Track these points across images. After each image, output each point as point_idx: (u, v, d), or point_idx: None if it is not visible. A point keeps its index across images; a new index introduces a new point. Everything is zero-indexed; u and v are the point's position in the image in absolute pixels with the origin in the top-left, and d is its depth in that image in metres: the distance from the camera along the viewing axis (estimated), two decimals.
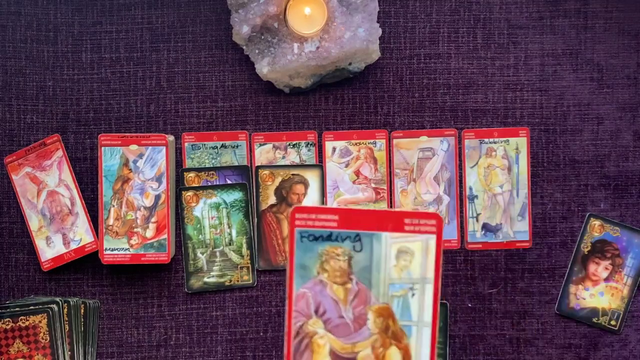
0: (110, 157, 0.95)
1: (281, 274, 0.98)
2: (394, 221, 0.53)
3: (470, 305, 0.98)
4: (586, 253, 0.98)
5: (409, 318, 0.54)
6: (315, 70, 0.96)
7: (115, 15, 0.99)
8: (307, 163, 0.98)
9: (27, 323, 0.93)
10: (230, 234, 0.97)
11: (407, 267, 0.54)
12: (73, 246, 0.97)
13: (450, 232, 0.98)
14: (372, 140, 0.98)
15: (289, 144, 0.99)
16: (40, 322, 0.93)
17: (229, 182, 0.98)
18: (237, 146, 0.98)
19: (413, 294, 0.54)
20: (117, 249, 0.94)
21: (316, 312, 0.55)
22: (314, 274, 0.55)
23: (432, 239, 0.54)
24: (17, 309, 0.93)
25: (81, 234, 0.97)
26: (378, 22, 0.96)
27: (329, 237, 0.54)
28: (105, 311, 0.99)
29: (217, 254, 0.98)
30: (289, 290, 0.55)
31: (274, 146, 0.98)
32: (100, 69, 0.99)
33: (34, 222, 0.97)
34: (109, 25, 0.99)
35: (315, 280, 0.55)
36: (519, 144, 0.98)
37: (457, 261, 0.98)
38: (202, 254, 0.97)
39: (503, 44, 0.99)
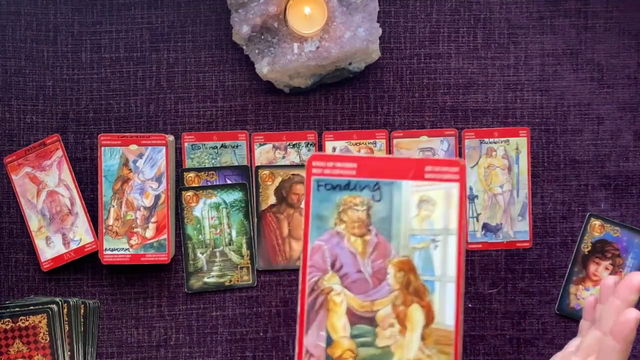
0: (110, 157, 0.94)
1: (281, 273, 0.98)
2: (415, 169, 0.51)
3: (470, 305, 0.98)
4: (586, 253, 0.98)
5: (431, 273, 0.51)
6: (315, 70, 0.96)
7: (115, 15, 0.99)
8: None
9: (26, 323, 0.93)
10: (230, 234, 0.97)
11: (429, 217, 0.51)
12: (73, 246, 0.97)
13: None
14: (372, 140, 0.98)
15: (289, 144, 0.98)
16: (40, 322, 0.93)
17: (228, 182, 0.98)
18: (237, 146, 0.98)
19: (436, 246, 0.51)
20: (117, 249, 0.94)
21: (332, 266, 0.52)
22: (331, 225, 0.52)
23: (454, 188, 0.51)
24: (16, 309, 0.93)
25: (81, 234, 0.97)
26: (378, 21, 0.96)
27: (347, 186, 0.52)
28: (105, 311, 0.98)
29: (217, 254, 0.97)
30: (305, 242, 0.52)
31: (274, 146, 0.98)
32: (100, 68, 0.99)
33: (33, 222, 0.97)
34: (108, 25, 0.99)
35: (332, 231, 0.52)
36: (519, 144, 0.98)
37: None
38: (202, 254, 0.97)
39: (503, 44, 0.99)
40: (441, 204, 0.51)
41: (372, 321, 0.51)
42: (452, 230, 0.51)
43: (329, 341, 0.52)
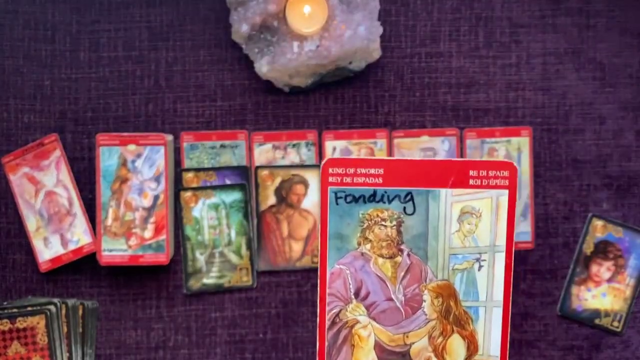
0: (108, 157, 0.94)
1: (281, 274, 0.98)
2: (456, 173, 0.43)
3: None
4: (589, 254, 0.97)
5: (475, 297, 0.43)
6: (315, 69, 0.95)
7: (114, 14, 0.98)
8: (307, 163, 0.98)
9: (24, 324, 0.93)
10: (229, 234, 0.97)
11: (473, 232, 0.44)
12: (71, 247, 0.96)
13: None
14: (372, 140, 0.98)
15: (289, 144, 0.98)
16: (38, 323, 0.92)
17: (228, 182, 0.97)
18: (237, 146, 0.98)
19: (480, 267, 0.44)
20: (115, 249, 0.94)
21: (357, 294, 0.45)
22: (354, 246, 0.45)
23: (503, 196, 0.43)
24: (14, 310, 0.93)
25: (79, 235, 0.96)
26: (379, 20, 0.96)
27: (372, 197, 0.44)
28: (103, 312, 0.98)
29: (216, 254, 0.97)
30: (322, 267, 0.44)
31: (273, 146, 0.98)
32: (99, 67, 0.99)
33: (31, 223, 0.97)
34: (107, 23, 0.99)
35: (355, 253, 0.45)
36: (520, 143, 0.98)
37: None
38: (201, 254, 0.97)
39: (505, 43, 0.99)
40: (487, 216, 0.44)
41: (405, 356, 0.44)
42: (501, 247, 0.43)
43: None
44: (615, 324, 0.97)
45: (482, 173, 0.44)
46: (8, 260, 0.99)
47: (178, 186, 0.97)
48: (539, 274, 0.98)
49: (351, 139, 0.98)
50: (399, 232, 0.44)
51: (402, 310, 0.44)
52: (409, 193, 0.43)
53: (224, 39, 0.98)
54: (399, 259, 0.45)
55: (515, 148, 0.98)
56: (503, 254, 0.43)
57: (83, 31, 0.99)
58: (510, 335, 0.99)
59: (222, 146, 0.98)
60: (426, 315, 0.43)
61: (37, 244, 0.97)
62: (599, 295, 0.97)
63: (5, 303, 0.95)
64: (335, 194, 0.44)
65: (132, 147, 0.94)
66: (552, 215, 0.98)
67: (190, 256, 0.97)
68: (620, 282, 0.97)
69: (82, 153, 0.98)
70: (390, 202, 0.44)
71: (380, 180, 0.43)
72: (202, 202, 0.97)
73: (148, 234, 0.94)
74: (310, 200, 0.97)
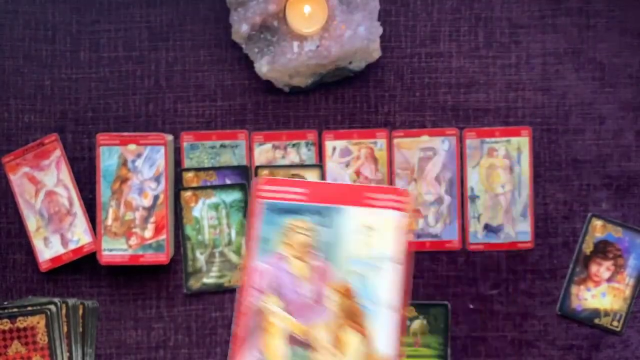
0: (108, 157, 0.94)
1: None
2: (359, 195, 0.52)
3: (471, 306, 0.98)
4: (588, 254, 0.98)
5: (369, 298, 0.51)
6: (315, 69, 0.95)
7: (114, 14, 0.99)
8: (307, 163, 0.98)
9: (25, 324, 0.93)
10: (229, 234, 0.97)
11: (370, 243, 0.52)
12: (71, 246, 0.97)
13: (452, 233, 0.98)
14: (372, 140, 0.98)
15: (289, 144, 0.98)
16: (38, 323, 0.93)
17: (228, 182, 0.97)
18: (237, 146, 0.98)
19: (376, 272, 0.51)
20: (115, 249, 0.94)
21: (274, 289, 0.53)
22: (276, 248, 0.53)
23: (396, 215, 0.52)
24: (15, 309, 0.93)
25: (79, 235, 0.96)
26: (379, 20, 0.96)
27: (295, 210, 0.53)
28: (103, 312, 0.98)
29: (216, 254, 0.97)
30: (247, 264, 0.53)
31: (273, 146, 0.98)
32: (99, 68, 0.99)
33: (31, 223, 0.97)
34: (107, 24, 0.99)
35: (276, 254, 0.53)
36: (520, 143, 0.98)
37: (458, 262, 0.98)
38: (201, 254, 0.97)
39: (504, 43, 0.99)
40: (383, 232, 0.51)
41: (308, 345, 0.51)
42: (394, 258, 0.51)
43: None
44: (615, 323, 0.97)
45: (379, 196, 0.52)
46: (8, 260, 0.99)
47: (178, 186, 0.98)
48: (538, 273, 0.98)
49: (351, 139, 0.98)
50: (314, 240, 0.52)
51: (310, 305, 0.51)
52: (325, 209, 0.52)
53: (224, 39, 0.99)
54: (311, 261, 0.52)
55: (515, 148, 0.98)
56: (397, 265, 0.51)
57: (83, 31, 0.99)
58: (511, 335, 0.99)
59: (222, 146, 0.98)
60: (328, 310, 0.50)
61: (38, 243, 0.97)
62: (599, 295, 0.97)
63: (5, 303, 0.95)
64: (266, 206, 0.52)
65: (132, 147, 0.94)
66: (551, 215, 0.98)
67: (190, 256, 0.97)
68: (620, 281, 0.97)
69: (82, 153, 0.98)
70: (309, 215, 0.52)
71: (305, 198, 0.52)
72: (202, 202, 0.97)
73: (148, 233, 0.94)
74: None
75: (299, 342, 0.51)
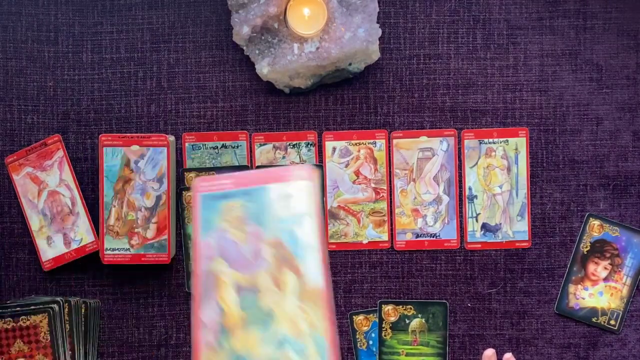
0: (111, 158, 0.94)
1: None
2: (274, 175, 0.66)
3: (469, 305, 0.98)
4: (585, 253, 0.98)
5: (297, 245, 0.63)
6: (315, 71, 0.96)
7: (116, 16, 0.99)
8: (307, 163, 0.98)
9: (27, 323, 0.93)
10: None
11: (290, 206, 0.64)
12: (74, 246, 0.97)
13: (450, 232, 0.98)
14: (372, 141, 0.98)
15: (289, 144, 0.99)
16: (41, 321, 0.93)
17: None
18: (238, 146, 0.98)
19: (298, 225, 0.64)
20: (117, 249, 0.94)
21: (220, 254, 0.64)
22: (217, 224, 0.64)
23: (308, 183, 0.65)
24: (17, 308, 0.93)
25: (82, 234, 0.97)
26: (378, 22, 0.96)
27: (226, 196, 0.65)
28: (106, 311, 0.99)
29: None
30: (195, 240, 0.64)
31: (274, 146, 0.99)
32: (101, 69, 0.99)
33: (34, 222, 0.97)
34: (109, 25, 0.99)
35: (218, 228, 0.64)
36: (518, 144, 0.98)
37: (456, 261, 0.98)
38: None
39: (502, 45, 0.99)
40: (298, 196, 0.64)
41: (255, 291, 0.62)
42: (310, 213, 0.64)
43: (221, 312, 0.62)
44: (612, 322, 0.98)
45: (288, 172, 0.66)
46: (11, 259, 0.99)
47: (180, 186, 0.98)
48: (536, 272, 0.98)
49: (351, 140, 0.98)
50: (245, 213, 0.65)
51: (250, 260, 0.63)
52: (249, 190, 0.65)
53: (225, 41, 0.99)
54: (245, 228, 0.64)
55: (513, 148, 0.98)
56: (313, 217, 0.64)
57: (86, 33, 0.99)
58: (508, 333, 1.00)
59: (224, 146, 0.99)
60: (266, 260, 0.63)
61: (40, 243, 0.97)
62: (596, 294, 0.98)
63: (8, 301, 0.96)
64: (204, 196, 0.66)
65: (135, 147, 0.95)
66: (549, 215, 0.99)
67: (192, 255, 0.98)
68: (617, 280, 0.98)
69: (85, 153, 0.99)
70: (238, 197, 0.65)
71: (232, 186, 0.66)
72: None
73: (150, 233, 0.94)
74: None
75: (247, 290, 0.62)
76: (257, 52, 0.96)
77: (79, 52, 0.99)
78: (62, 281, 0.98)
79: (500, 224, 0.98)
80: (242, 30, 0.94)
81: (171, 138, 0.97)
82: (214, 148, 0.98)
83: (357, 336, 0.98)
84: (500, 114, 0.99)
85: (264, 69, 0.95)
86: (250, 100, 0.99)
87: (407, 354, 0.97)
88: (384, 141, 0.98)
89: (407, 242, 0.99)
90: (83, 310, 0.95)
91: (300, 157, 0.98)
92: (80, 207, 0.97)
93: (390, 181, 0.98)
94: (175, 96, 0.99)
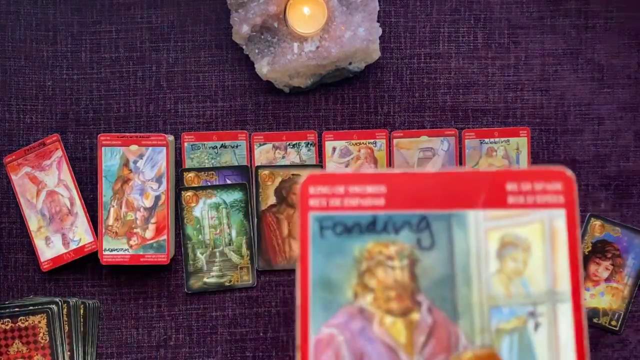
0: (110, 158, 0.94)
1: (281, 273, 0.98)
2: (488, 188, 0.30)
3: None
4: (587, 253, 0.98)
5: None
6: (315, 70, 0.95)
7: (115, 15, 0.99)
8: (307, 163, 0.98)
9: (26, 323, 0.93)
10: (230, 234, 0.97)
11: (521, 272, 0.31)
12: (72, 246, 0.97)
13: None
14: (372, 140, 0.98)
15: (289, 144, 0.98)
16: (39, 322, 0.93)
17: (228, 182, 0.98)
18: (237, 146, 0.98)
19: (537, 325, 0.31)
20: (116, 249, 0.94)
21: None
22: (349, 298, 0.31)
23: (558, 218, 0.30)
24: (16, 309, 0.93)
25: (80, 234, 0.97)
26: (378, 21, 0.96)
27: (372, 226, 0.30)
28: (104, 311, 0.98)
29: (217, 254, 0.97)
30: (302, 333, 0.30)
31: (273, 146, 0.98)
32: (100, 68, 0.99)
33: (33, 222, 0.97)
34: (108, 25, 0.99)
35: (351, 309, 0.31)
36: (519, 144, 0.98)
37: None
38: (202, 254, 0.97)
39: (503, 44, 0.99)
40: (539, 249, 0.30)
41: None
42: (564, 294, 0.30)
43: None
44: (614, 323, 0.97)
45: (524, 187, 0.30)
46: (10, 259, 0.99)
47: (179, 186, 0.98)
48: None
49: (351, 139, 0.98)
50: (414, 276, 0.30)
51: None
52: (424, 218, 0.29)
53: (225, 40, 0.99)
54: (415, 316, 0.30)
55: (514, 148, 0.98)
56: (569, 305, 0.29)
57: (84, 32, 0.99)
58: None
59: (223, 146, 0.98)
60: None
61: (39, 243, 0.97)
62: (597, 295, 0.97)
63: (7, 302, 0.95)
64: (320, 222, 0.30)
65: (134, 147, 0.94)
66: None
67: (191, 256, 0.97)
68: (619, 281, 0.97)
69: (84, 153, 0.99)
70: (397, 232, 0.30)
71: (383, 202, 0.29)
72: (203, 202, 0.97)
73: (149, 234, 0.94)
74: None
75: None
76: (256, 51, 0.96)
77: (77, 52, 0.99)
78: (60, 282, 0.98)
79: None
80: (241, 29, 0.94)
81: (170, 138, 0.97)
82: (213, 148, 0.98)
83: None
84: (501, 114, 0.99)
85: (263, 68, 0.95)
86: (250, 99, 0.99)
87: None
88: (384, 141, 0.98)
89: None
90: (82, 311, 0.95)
91: (300, 157, 0.98)
92: (79, 207, 0.97)
93: None
94: (174, 95, 0.99)
